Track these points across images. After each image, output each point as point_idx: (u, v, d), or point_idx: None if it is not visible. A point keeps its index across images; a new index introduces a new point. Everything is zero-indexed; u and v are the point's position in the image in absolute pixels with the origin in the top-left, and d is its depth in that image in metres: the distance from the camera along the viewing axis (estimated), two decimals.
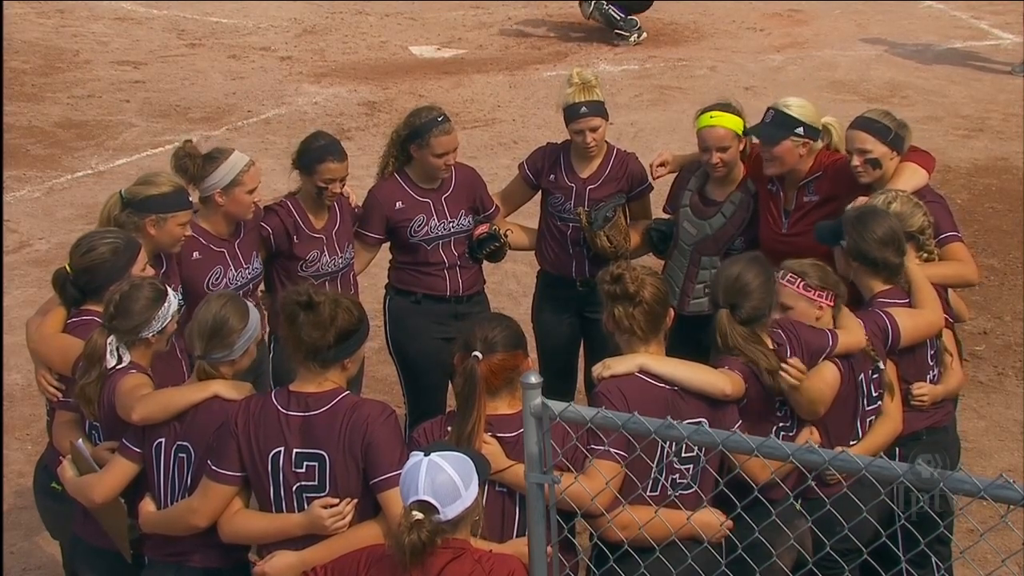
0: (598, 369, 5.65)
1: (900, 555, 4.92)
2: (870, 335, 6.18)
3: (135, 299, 5.81)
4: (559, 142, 7.99)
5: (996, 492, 4.00)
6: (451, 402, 7.67)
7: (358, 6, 17.15)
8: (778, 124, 7.22)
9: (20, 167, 12.84)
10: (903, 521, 5.28)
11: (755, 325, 5.91)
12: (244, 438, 5.34)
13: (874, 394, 6.26)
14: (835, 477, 5.83)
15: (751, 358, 5.84)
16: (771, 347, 5.94)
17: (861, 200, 6.82)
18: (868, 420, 6.24)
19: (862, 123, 7.09)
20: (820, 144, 7.30)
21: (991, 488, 4.00)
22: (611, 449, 5.30)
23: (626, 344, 5.72)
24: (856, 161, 7.05)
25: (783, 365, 5.83)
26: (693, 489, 5.62)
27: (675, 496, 5.52)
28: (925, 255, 6.68)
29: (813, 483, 4.91)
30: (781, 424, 5.96)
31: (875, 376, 6.24)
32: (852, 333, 6.13)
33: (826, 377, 6.02)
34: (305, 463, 5.30)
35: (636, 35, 15.93)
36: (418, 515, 4.63)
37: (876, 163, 7.02)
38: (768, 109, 7.31)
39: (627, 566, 5.20)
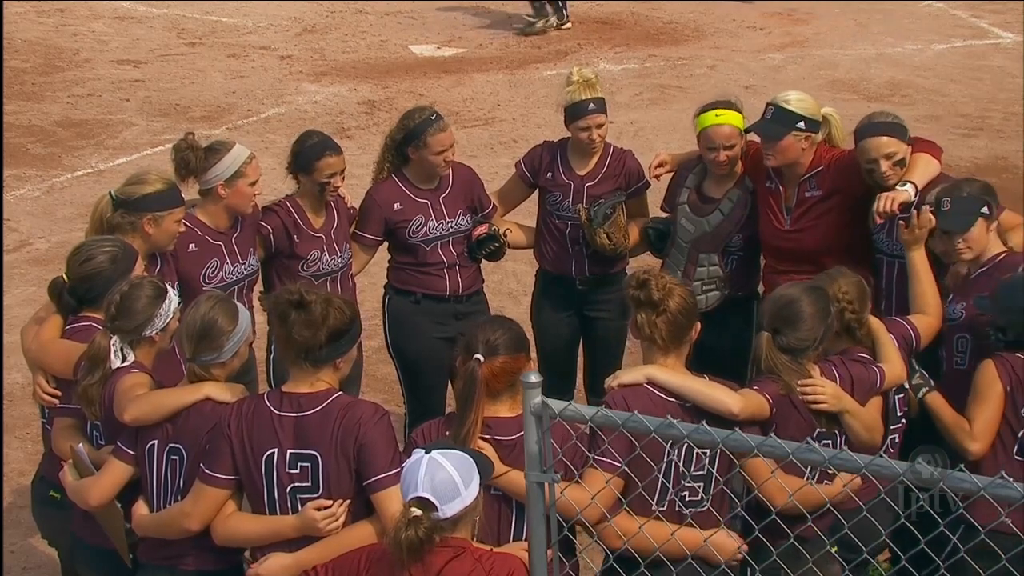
0: (608, 380, 5.62)
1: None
2: (898, 347, 6.21)
3: (136, 298, 5.80)
4: (555, 140, 7.99)
5: (996, 491, 4.00)
6: (451, 401, 7.68)
7: (358, 5, 17.15)
8: (779, 120, 7.22)
9: (20, 166, 12.84)
10: (902, 521, 5.27)
11: (799, 355, 5.84)
12: (237, 441, 5.33)
13: (899, 413, 6.28)
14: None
15: (788, 385, 5.78)
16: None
17: (891, 196, 6.85)
18: (893, 438, 6.26)
19: (882, 128, 7.06)
20: (821, 136, 7.31)
21: (991, 487, 4.00)
22: (606, 459, 5.29)
23: (646, 351, 5.66)
24: (884, 167, 6.99)
25: (808, 383, 5.77)
26: (705, 507, 5.55)
27: (687, 513, 5.44)
28: None
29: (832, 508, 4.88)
30: None
31: (900, 395, 6.25)
32: (895, 367, 6.13)
33: (874, 405, 6.04)
34: (299, 464, 5.29)
35: (545, 22, 16.02)
36: (416, 511, 4.63)
37: (903, 163, 7.03)
38: (768, 105, 7.30)
39: None
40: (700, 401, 5.54)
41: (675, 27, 16.48)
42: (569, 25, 16.11)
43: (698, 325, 5.74)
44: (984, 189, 6.65)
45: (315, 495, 5.30)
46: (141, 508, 5.63)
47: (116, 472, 5.66)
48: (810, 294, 5.93)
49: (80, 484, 5.75)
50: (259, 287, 7.60)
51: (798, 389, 5.79)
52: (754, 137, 7.51)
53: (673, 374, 5.60)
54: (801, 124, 7.19)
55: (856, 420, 5.90)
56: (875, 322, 6.22)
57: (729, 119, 7.43)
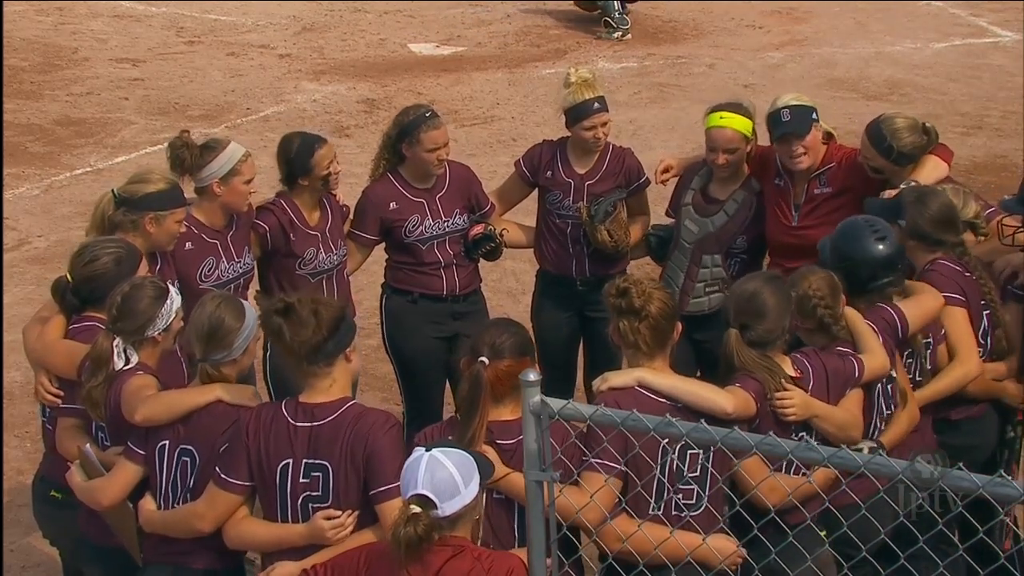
0: (597, 383, 5.60)
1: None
2: (881, 334, 6.14)
3: (137, 299, 5.80)
4: (555, 139, 7.98)
5: (995, 490, 4.00)
6: (449, 400, 7.68)
7: (357, 4, 17.13)
8: (799, 117, 7.34)
9: (19, 164, 12.83)
10: (897, 517, 5.26)
11: (768, 348, 5.82)
12: (254, 449, 5.34)
13: (887, 402, 6.23)
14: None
15: (767, 381, 5.75)
16: (793, 373, 5.85)
17: (890, 193, 6.90)
18: (881, 428, 6.22)
19: (872, 133, 7.21)
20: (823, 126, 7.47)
21: (990, 485, 4.00)
22: (603, 461, 5.28)
23: (631, 358, 5.64)
24: (862, 160, 7.25)
25: (777, 395, 5.74)
26: (703, 509, 5.54)
27: (683, 516, 5.45)
28: (982, 238, 6.80)
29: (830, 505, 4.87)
30: None
31: (889, 385, 6.22)
32: (876, 357, 6.06)
33: (852, 399, 6.00)
34: (311, 473, 5.31)
35: (621, 33, 15.92)
36: (415, 509, 4.63)
37: (878, 171, 7.19)
38: (779, 111, 7.36)
39: None
40: (691, 402, 5.53)
41: (674, 26, 16.48)
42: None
43: (679, 326, 5.73)
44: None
45: (325, 504, 5.30)
46: (149, 503, 5.64)
47: (128, 472, 5.66)
48: (770, 284, 5.91)
49: (91, 485, 5.74)
50: (255, 286, 7.61)
51: (772, 402, 5.77)
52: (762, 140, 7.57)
53: (663, 376, 5.59)
54: (814, 115, 7.36)
55: (827, 422, 5.85)
56: (851, 313, 6.16)
57: (733, 123, 7.45)
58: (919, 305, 6.34)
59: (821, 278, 6.11)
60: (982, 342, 6.60)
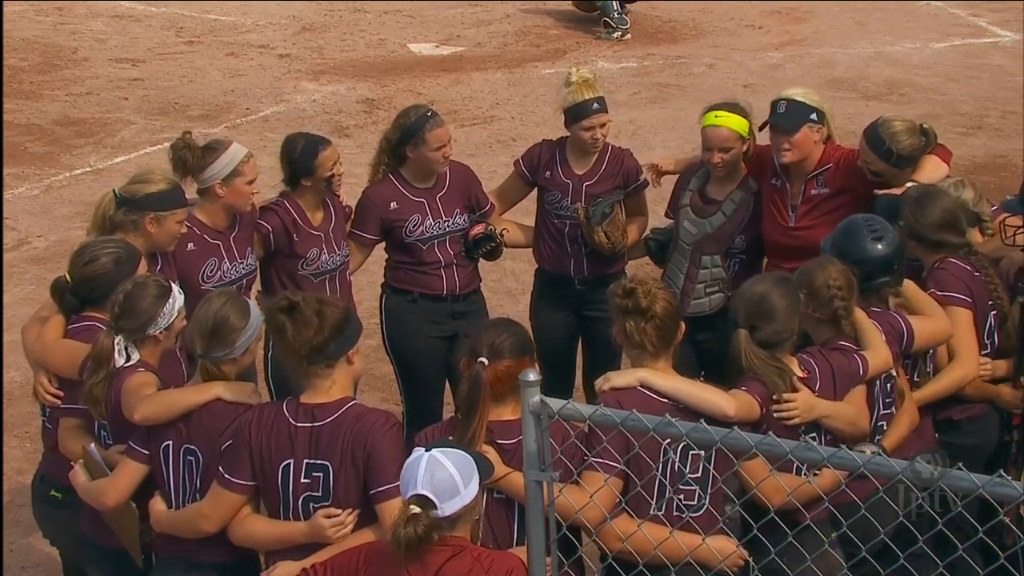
0: (599, 382, 5.61)
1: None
2: (886, 336, 6.14)
3: (140, 297, 5.81)
4: (554, 139, 7.98)
5: (994, 490, 4.00)
6: (449, 400, 7.68)
7: (357, 4, 17.13)
8: (793, 113, 7.32)
9: (19, 164, 12.83)
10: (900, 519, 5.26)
11: (776, 349, 5.82)
12: (256, 449, 5.36)
13: (887, 400, 6.25)
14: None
15: (774, 383, 5.75)
16: (801, 373, 5.85)
17: (883, 192, 6.92)
18: (880, 426, 6.23)
19: (871, 137, 7.20)
20: (826, 131, 7.41)
21: (989, 485, 4.00)
22: (604, 460, 5.28)
23: (636, 359, 5.65)
24: (862, 164, 7.23)
25: (784, 397, 5.74)
26: (704, 510, 5.54)
27: (683, 516, 5.45)
28: (989, 235, 6.80)
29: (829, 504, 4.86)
30: None
31: (888, 384, 6.23)
32: (879, 354, 6.07)
33: (856, 394, 6.01)
34: (312, 473, 5.32)
35: (621, 33, 15.92)
36: (415, 509, 4.63)
37: (877, 174, 7.17)
38: (779, 101, 7.38)
39: None
40: (693, 403, 5.53)
41: (674, 26, 16.48)
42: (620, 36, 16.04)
43: (683, 326, 5.74)
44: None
45: (325, 503, 5.32)
46: (159, 504, 5.65)
47: (131, 472, 5.67)
48: (779, 286, 5.91)
49: (95, 485, 5.74)
50: (257, 286, 7.60)
51: (773, 409, 5.76)
52: (761, 139, 7.56)
53: (665, 377, 5.60)
54: (813, 116, 7.33)
55: (835, 420, 5.87)
56: (857, 312, 6.17)
57: (728, 122, 7.45)
58: (928, 326, 6.36)
59: (840, 270, 6.14)
60: (987, 341, 6.60)
